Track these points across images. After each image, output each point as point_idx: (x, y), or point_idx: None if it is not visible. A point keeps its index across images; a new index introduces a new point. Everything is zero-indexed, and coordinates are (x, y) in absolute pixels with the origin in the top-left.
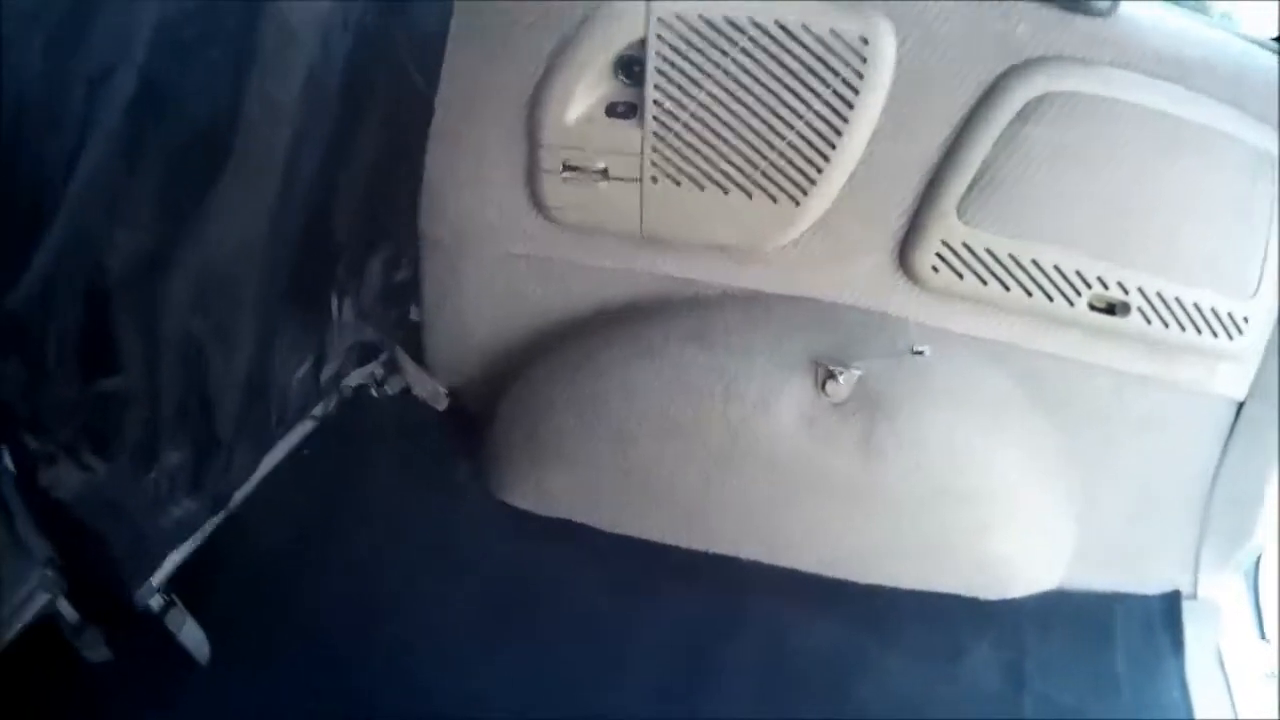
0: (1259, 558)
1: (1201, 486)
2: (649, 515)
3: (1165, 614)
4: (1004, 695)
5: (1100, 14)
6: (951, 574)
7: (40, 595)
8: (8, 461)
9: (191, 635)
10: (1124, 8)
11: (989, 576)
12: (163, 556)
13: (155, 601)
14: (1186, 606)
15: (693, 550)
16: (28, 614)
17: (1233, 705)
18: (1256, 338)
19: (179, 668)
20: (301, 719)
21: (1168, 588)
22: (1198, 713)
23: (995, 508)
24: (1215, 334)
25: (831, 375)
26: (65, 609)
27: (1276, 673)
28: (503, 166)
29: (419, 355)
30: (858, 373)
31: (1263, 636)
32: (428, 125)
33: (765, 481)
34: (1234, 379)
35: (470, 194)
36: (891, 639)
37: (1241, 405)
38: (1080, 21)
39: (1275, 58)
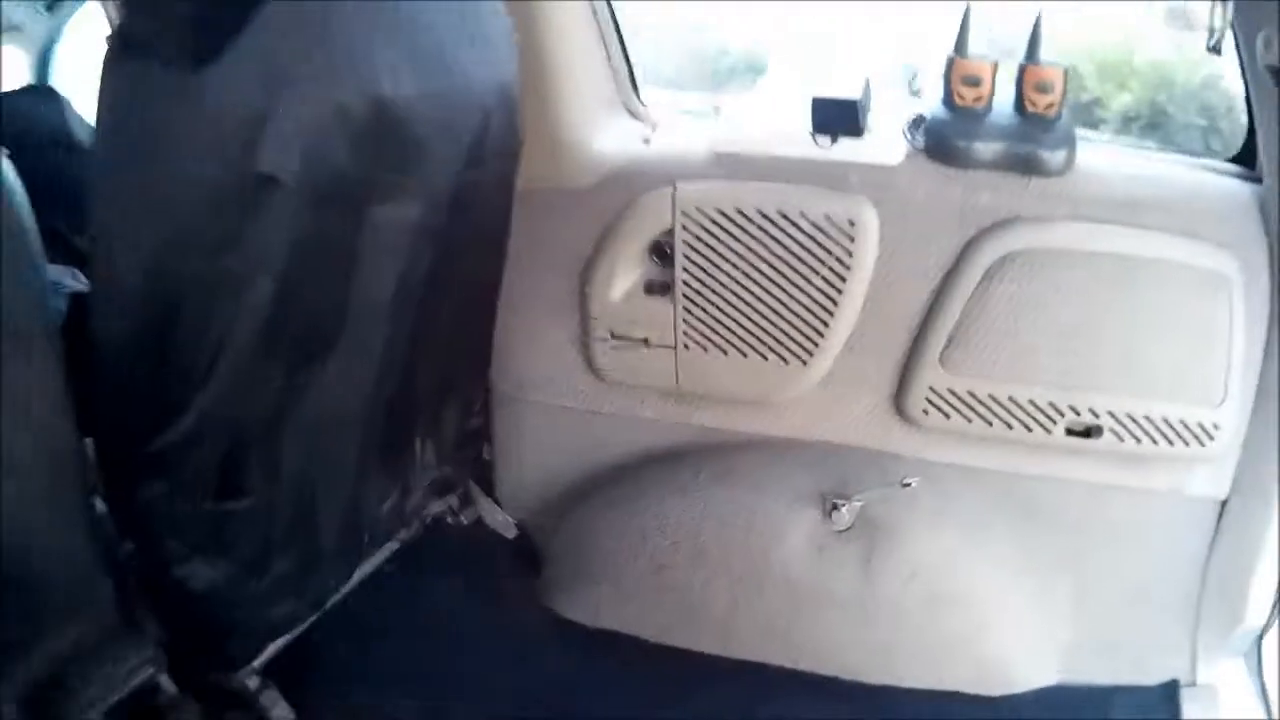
0: (1261, 640)
1: (1191, 579)
2: (683, 627)
3: (1164, 701)
4: None
5: (1055, 174)
6: (952, 674)
7: (143, 670)
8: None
9: (280, 713)
10: (1078, 161)
11: (987, 675)
12: (264, 646)
13: (253, 682)
14: (1185, 693)
15: (721, 656)
16: (130, 685)
17: None
18: (1231, 439)
19: None
20: None
21: (1166, 677)
22: None
23: (986, 612)
24: (1186, 443)
25: (836, 506)
26: (165, 683)
27: None
28: (559, 333)
29: (491, 490)
30: (859, 503)
31: (1269, 717)
32: (493, 302)
33: (783, 599)
34: (1213, 480)
35: (531, 356)
36: None
37: (1225, 503)
38: (1037, 182)
39: (1229, 180)
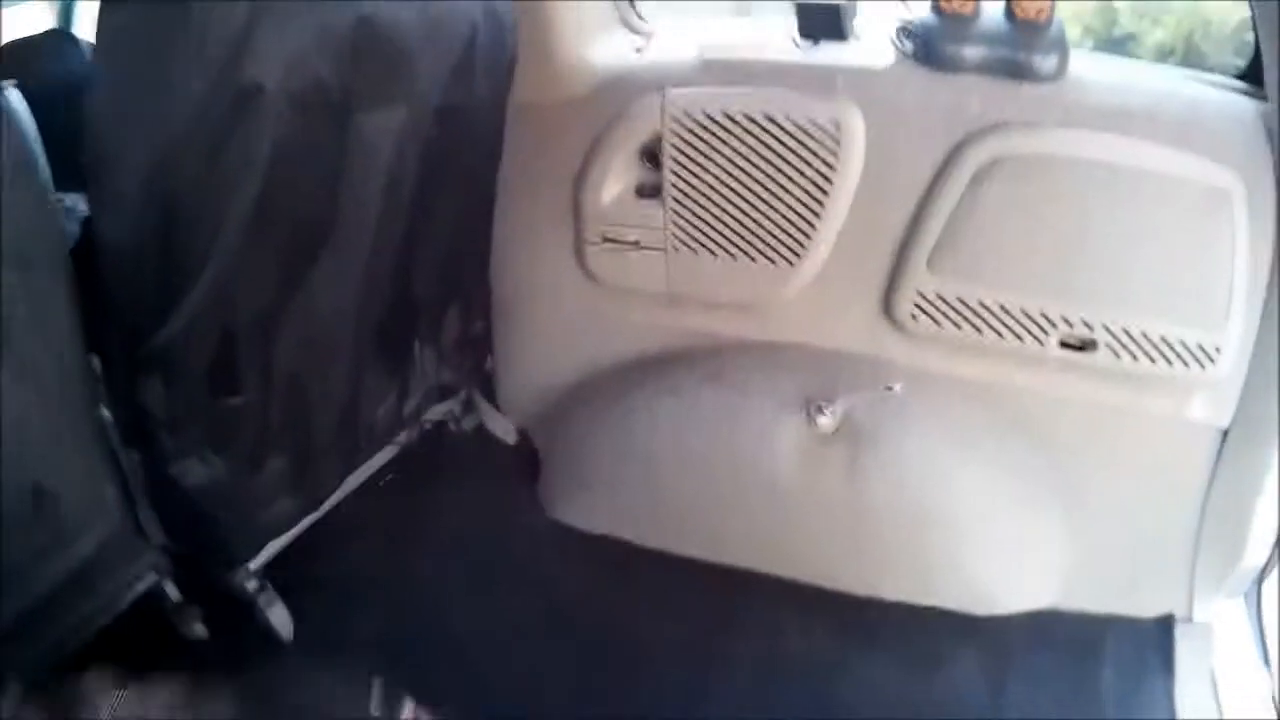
0: (1261, 581)
1: (1191, 512)
2: (670, 531)
3: (1158, 635)
4: (982, 704)
5: (1046, 80)
6: (936, 589)
7: (149, 575)
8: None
9: (279, 616)
10: (1072, 69)
11: (972, 592)
12: (262, 545)
13: (251, 584)
14: (1180, 629)
15: (707, 561)
16: (136, 590)
17: None
18: (1234, 365)
19: (264, 645)
20: (368, 696)
21: (1162, 611)
22: None
23: (973, 528)
24: (1186, 364)
25: (820, 410)
26: (169, 589)
27: (1277, 698)
28: (554, 238)
29: (493, 397)
30: (842, 408)
31: (1265, 662)
32: (489, 212)
33: (766, 503)
34: (1214, 407)
35: (529, 261)
36: (878, 645)
37: (1227, 432)
38: (1027, 88)
39: (1232, 96)
